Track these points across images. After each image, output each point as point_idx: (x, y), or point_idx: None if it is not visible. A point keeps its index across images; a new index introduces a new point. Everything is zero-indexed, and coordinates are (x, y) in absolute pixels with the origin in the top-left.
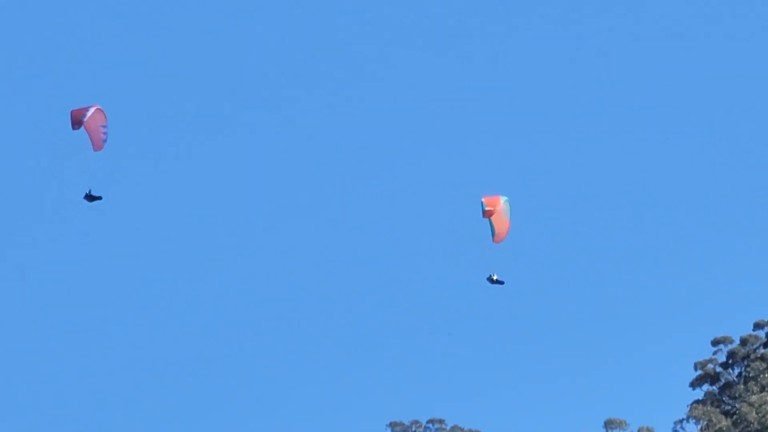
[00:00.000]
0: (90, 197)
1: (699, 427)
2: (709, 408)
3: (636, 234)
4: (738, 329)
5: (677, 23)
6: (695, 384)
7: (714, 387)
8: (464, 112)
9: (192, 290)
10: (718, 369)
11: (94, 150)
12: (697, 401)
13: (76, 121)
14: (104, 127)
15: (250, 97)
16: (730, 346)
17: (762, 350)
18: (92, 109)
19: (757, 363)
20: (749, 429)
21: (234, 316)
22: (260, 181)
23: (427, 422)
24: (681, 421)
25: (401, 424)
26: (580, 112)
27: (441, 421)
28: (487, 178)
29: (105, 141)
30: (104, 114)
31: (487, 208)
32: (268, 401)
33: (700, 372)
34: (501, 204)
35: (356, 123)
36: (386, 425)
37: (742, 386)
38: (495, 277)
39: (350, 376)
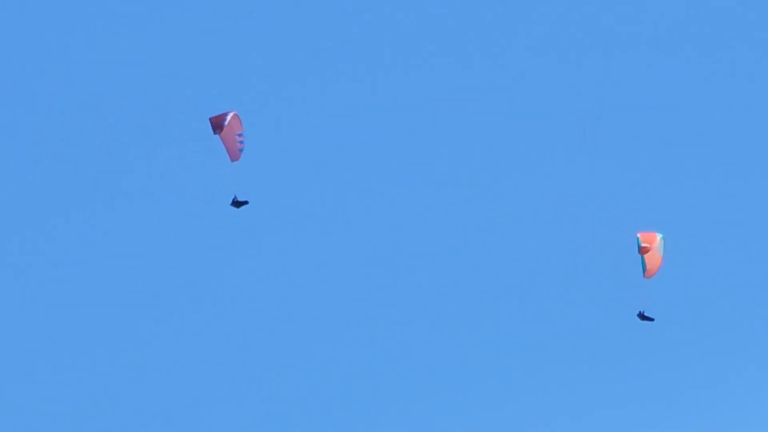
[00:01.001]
0: (237, 203)
1: None
2: None
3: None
4: None
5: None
6: None
7: None
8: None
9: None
10: None
11: (232, 161)
12: None
13: (218, 125)
14: (240, 135)
15: (263, 97)
16: None
17: None
18: (230, 115)
19: None
20: None
21: (343, 332)
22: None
23: None
24: None
25: None
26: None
27: None
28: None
29: (242, 150)
30: (240, 121)
31: (643, 245)
32: (378, 420)
33: None
34: (657, 241)
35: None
36: None
37: None
38: (645, 314)
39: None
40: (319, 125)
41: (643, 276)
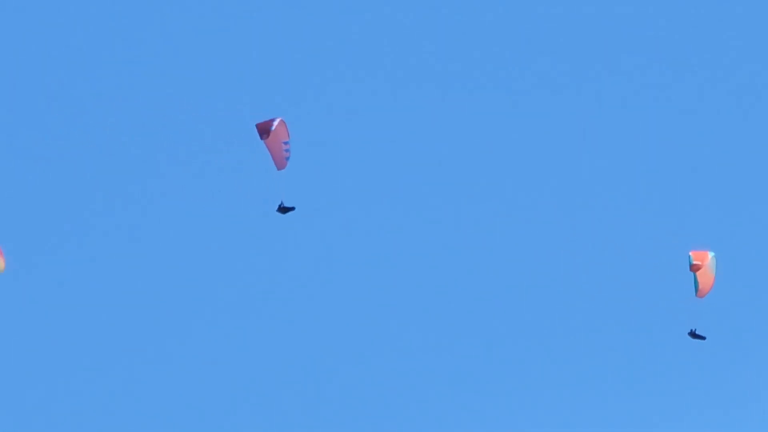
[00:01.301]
0: (283, 209)
1: None
2: None
3: None
4: None
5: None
6: None
7: None
8: None
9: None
10: None
11: (278, 169)
12: None
13: (265, 131)
14: (286, 143)
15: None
16: None
17: None
18: (276, 122)
19: None
20: None
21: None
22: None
23: None
24: None
25: None
26: None
27: None
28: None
29: (288, 159)
30: (287, 129)
31: (694, 262)
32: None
33: None
34: (708, 259)
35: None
36: None
37: None
38: (696, 332)
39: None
40: (319, 126)
41: (695, 295)
